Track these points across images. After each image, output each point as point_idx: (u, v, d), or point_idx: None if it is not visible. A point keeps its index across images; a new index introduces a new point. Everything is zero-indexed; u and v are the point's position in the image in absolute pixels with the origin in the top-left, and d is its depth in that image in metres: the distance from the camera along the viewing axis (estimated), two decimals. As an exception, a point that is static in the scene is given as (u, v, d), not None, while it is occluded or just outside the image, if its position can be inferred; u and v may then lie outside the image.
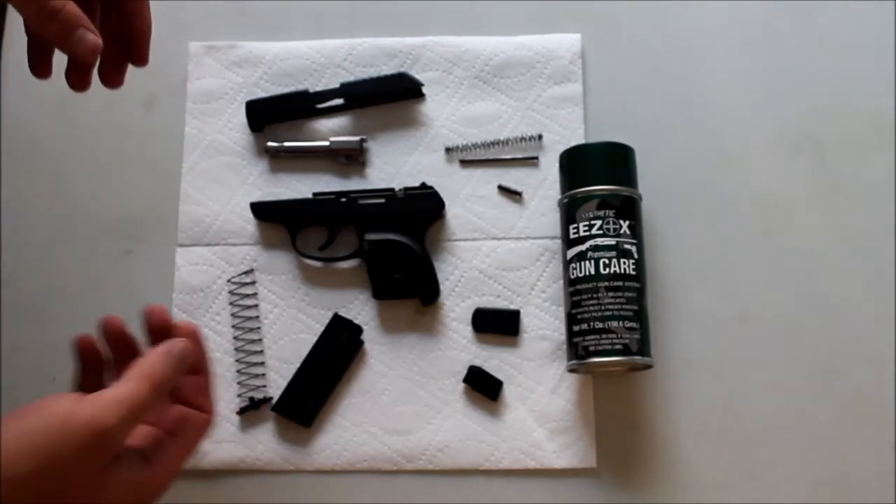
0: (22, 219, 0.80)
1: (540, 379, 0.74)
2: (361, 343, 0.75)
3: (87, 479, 0.48)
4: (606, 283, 0.69)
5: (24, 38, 0.64)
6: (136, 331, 0.76)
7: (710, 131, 0.79)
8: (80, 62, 0.55)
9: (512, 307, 0.75)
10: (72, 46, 0.53)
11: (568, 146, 0.75)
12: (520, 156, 0.78)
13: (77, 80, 0.58)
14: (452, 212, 0.77)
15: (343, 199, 0.76)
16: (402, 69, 0.80)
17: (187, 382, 0.57)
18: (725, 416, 0.72)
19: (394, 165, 0.79)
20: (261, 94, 0.81)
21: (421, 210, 0.76)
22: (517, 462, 0.72)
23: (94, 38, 0.53)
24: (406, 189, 0.76)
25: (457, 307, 0.75)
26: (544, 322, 0.75)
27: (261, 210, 0.77)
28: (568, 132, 0.78)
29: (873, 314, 0.74)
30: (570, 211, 0.72)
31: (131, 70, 0.82)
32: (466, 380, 0.73)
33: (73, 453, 0.47)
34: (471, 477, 0.72)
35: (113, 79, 0.60)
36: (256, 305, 0.76)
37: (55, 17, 0.52)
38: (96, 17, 0.58)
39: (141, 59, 0.61)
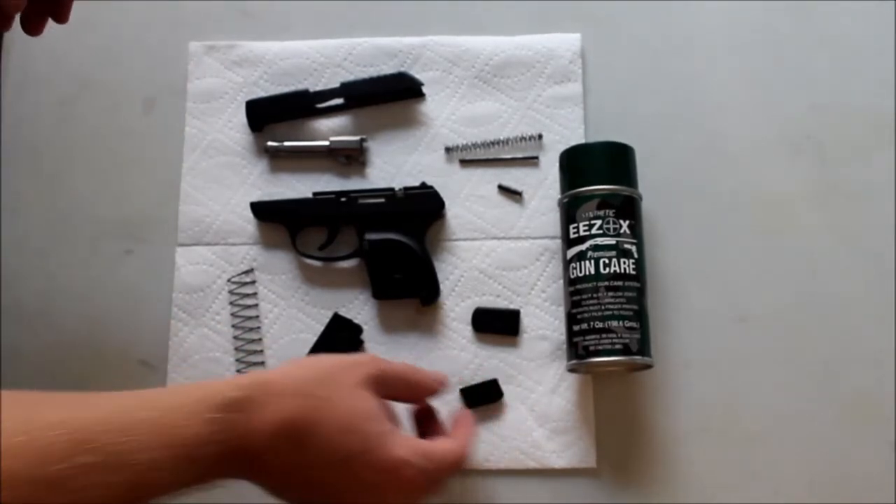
0: (22, 219, 0.80)
1: (540, 379, 0.74)
2: (361, 343, 0.75)
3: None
4: (606, 283, 0.69)
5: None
6: (136, 333, 0.76)
7: (710, 131, 0.79)
8: (4, 12, 0.61)
9: (512, 307, 0.75)
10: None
11: (568, 146, 0.75)
12: (520, 155, 0.78)
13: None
14: (452, 212, 0.77)
15: (343, 199, 0.76)
16: (402, 69, 0.80)
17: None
18: (725, 416, 0.72)
19: (394, 165, 0.79)
20: (261, 93, 0.81)
21: (421, 210, 0.76)
22: (517, 462, 0.72)
23: None
24: (406, 189, 0.76)
25: (457, 307, 0.75)
26: (544, 322, 0.75)
27: (261, 210, 0.77)
28: (568, 132, 0.78)
29: (873, 314, 0.74)
30: (570, 211, 0.72)
31: (132, 70, 0.83)
32: (467, 404, 0.73)
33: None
34: (471, 477, 0.72)
35: (32, 29, 0.65)
36: (256, 305, 0.76)
37: None
38: None
39: (62, 18, 0.65)
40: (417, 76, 0.80)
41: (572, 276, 0.71)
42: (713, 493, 0.71)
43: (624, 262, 0.69)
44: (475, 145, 0.79)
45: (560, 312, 0.74)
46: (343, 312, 0.76)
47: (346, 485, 0.55)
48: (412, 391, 0.64)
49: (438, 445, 0.60)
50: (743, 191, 0.77)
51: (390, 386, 0.60)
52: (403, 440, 0.57)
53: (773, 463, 0.71)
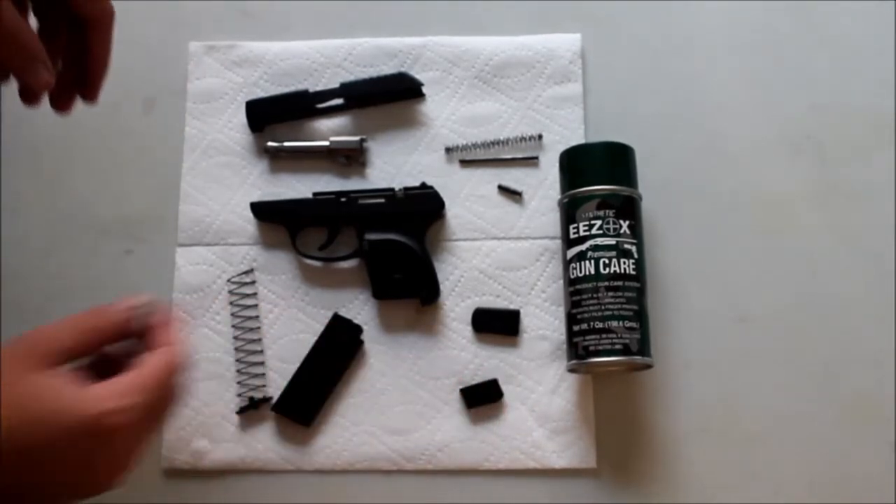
0: (22, 219, 0.80)
1: (540, 379, 0.74)
2: (361, 343, 0.75)
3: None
4: (606, 283, 0.69)
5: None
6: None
7: (710, 131, 0.79)
8: (32, 90, 0.58)
9: (512, 307, 0.75)
10: (27, 78, 0.57)
11: (568, 146, 0.75)
12: (520, 156, 0.78)
13: (26, 99, 0.60)
14: (452, 212, 0.77)
15: (343, 199, 0.76)
16: (402, 69, 0.80)
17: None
18: (725, 416, 0.72)
19: (394, 165, 0.79)
20: (261, 94, 0.81)
21: (421, 210, 0.76)
22: (517, 462, 0.72)
23: (48, 75, 0.57)
24: (406, 189, 0.76)
25: (457, 307, 0.75)
26: (544, 322, 0.75)
27: (261, 210, 0.77)
28: (568, 132, 0.78)
29: (873, 314, 0.74)
30: (570, 211, 0.72)
31: (132, 70, 0.82)
32: (468, 404, 0.73)
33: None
34: (471, 477, 0.72)
35: (62, 106, 0.62)
36: (256, 305, 0.76)
37: (20, 50, 0.55)
38: (60, 48, 0.60)
39: (91, 96, 0.63)
40: (417, 76, 0.80)
41: (572, 277, 0.71)
42: (713, 493, 0.71)
43: (624, 263, 0.69)
44: (475, 145, 0.79)
45: (560, 312, 0.74)
46: (343, 312, 0.76)
47: (79, 470, 0.52)
48: (106, 333, 0.58)
49: (137, 373, 0.54)
50: (743, 191, 0.77)
51: (68, 349, 0.55)
52: (96, 393, 0.52)
53: (773, 463, 0.71)
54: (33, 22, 0.59)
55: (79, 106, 0.81)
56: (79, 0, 0.58)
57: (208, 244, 0.78)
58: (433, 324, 0.75)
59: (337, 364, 0.74)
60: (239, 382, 0.75)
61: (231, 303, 0.76)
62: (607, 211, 0.70)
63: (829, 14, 0.81)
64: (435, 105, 0.80)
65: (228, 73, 0.82)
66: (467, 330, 0.75)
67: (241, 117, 0.80)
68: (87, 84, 0.62)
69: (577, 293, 0.70)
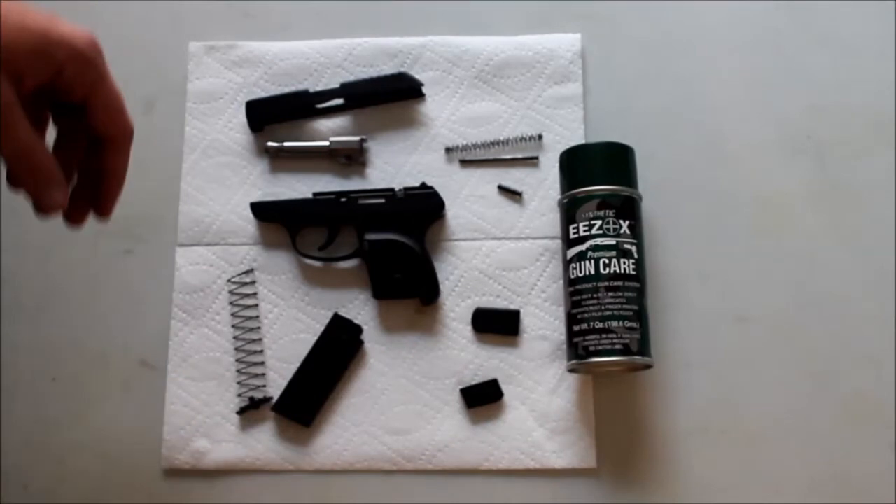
0: (22, 219, 0.80)
1: (540, 379, 0.74)
2: (361, 343, 0.75)
3: None
4: (606, 283, 0.69)
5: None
6: (136, 333, 0.76)
7: (710, 131, 0.79)
8: (44, 210, 0.56)
9: (512, 307, 0.75)
10: (39, 198, 0.55)
11: (568, 146, 0.75)
12: (520, 156, 0.78)
13: (39, 213, 0.57)
14: (452, 212, 0.77)
15: (343, 199, 0.76)
16: (402, 69, 0.80)
17: None
18: (725, 416, 0.72)
19: (394, 165, 0.79)
20: (261, 94, 0.81)
21: (421, 210, 0.76)
22: (517, 462, 0.72)
23: (61, 197, 0.55)
24: (406, 189, 0.76)
25: (457, 307, 0.75)
26: (544, 322, 0.75)
27: (261, 210, 0.77)
28: (568, 132, 0.78)
29: (873, 314, 0.74)
30: (570, 211, 0.72)
31: (132, 70, 0.82)
32: (468, 404, 0.73)
33: None
34: (471, 477, 0.72)
35: (74, 220, 0.60)
36: (256, 305, 0.76)
37: (33, 170, 0.54)
38: (76, 161, 0.58)
39: (104, 212, 0.59)
40: (417, 76, 0.80)
41: (572, 277, 0.71)
42: (713, 493, 0.71)
43: (624, 263, 0.69)
44: (475, 145, 0.79)
45: (560, 312, 0.74)
46: (343, 312, 0.76)
47: None
48: None
49: None
50: (743, 191, 0.77)
51: None
52: None
53: (773, 463, 0.71)
54: (51, 134, 0.57)
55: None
56: (98, 116, 0.56)
57: (208, 244, 0.78)
58: (433, 324, 0.75)
59: (337, 364, 0.74)
60: (239, 382, 0.75)
61: (231, 303, 0.76)
62: (607, 211, 0.70)
63: (829, 14, 0.81)
64: (435, 105, 0.80)
65: (228, 73, 0.82)
66: (467, 330, 0.75)
67: (241, 117, 0.80)
68: (101, 200, 0.59)
69: (577, 293, 0.70)
